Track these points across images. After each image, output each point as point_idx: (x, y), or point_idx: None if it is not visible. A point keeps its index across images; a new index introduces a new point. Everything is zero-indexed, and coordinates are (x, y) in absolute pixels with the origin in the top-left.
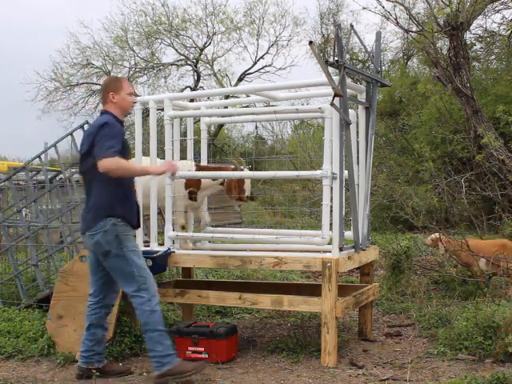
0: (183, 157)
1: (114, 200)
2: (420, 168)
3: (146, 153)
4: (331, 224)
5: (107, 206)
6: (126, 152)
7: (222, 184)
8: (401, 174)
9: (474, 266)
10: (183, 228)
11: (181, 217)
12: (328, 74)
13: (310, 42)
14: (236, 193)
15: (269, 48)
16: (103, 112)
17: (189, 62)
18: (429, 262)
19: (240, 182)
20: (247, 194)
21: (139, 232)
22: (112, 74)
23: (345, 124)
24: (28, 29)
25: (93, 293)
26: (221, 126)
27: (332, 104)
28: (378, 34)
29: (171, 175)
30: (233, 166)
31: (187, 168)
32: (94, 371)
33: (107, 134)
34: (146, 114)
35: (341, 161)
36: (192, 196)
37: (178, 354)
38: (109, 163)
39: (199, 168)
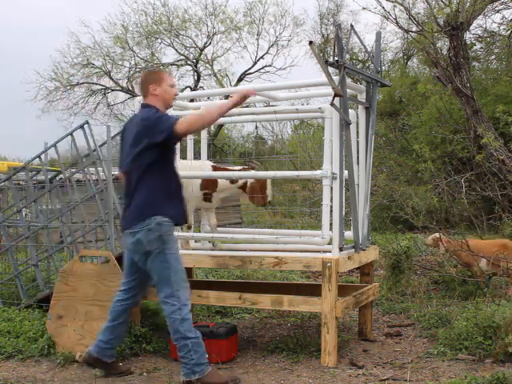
0: (183, 157)
1: (163, 199)
2: (420, 168)
3: None
4: (331, 224)
5: (155, 205)
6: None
7: (241, 188)
8: (401, 174)
9: (474, 266)
10: (189, 228)
11: (189, 217)
12: (328, 74)
13: (310, 42)
14: (259, 197)
15: (269, 48)
16: (145, 105)
17: (189, 62)
18: (429, 261)
19: (263, 186)
20: (269, 198)
21: None
22: (112, 74)
23: (345, 124)
24: (28, 29)
25: (124, 290)
26: (221, 126)
27: (332, 104)
28: (378, 34)
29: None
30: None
31: (203, 169)
32: (96, 369)
33: (159, 116)
34: None
35: (341, 161)
36: (207, 197)
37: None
38: (183, 124)
39: (216, 169)
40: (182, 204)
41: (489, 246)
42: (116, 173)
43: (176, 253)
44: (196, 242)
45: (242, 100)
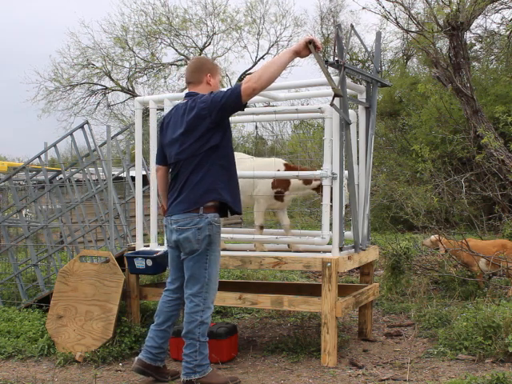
0: None
1: (224, 185)
2: (419, 168)
3: (146, 153)
4: (331, 224)
5: (214, 191)
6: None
7: (315, 189)
8: (401, 174)
9: (474, 266)
10: (261, 228)
11: (261, 217)
12: (328, 74)
13: (310, 42)
14: None
15: (269, 48)
16: (194, 94)
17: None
18: (429, 261)
19: None
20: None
21: (139, 231)
22: (112, 74)
23: (345, 124)
24: (28, 29)
25: (174, 289)
26: None
27: (332, 104)
28: (378, 34)
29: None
30: None
31: (275, 167)
32: (149, 376)
33: (215, 92)
34: (146, 114)
35: (341, 161)
36: (278, 196)
37: (178, 354)
38: (246, 85)
39: (289, 167)
40: (239, 192)
41: (488, 246)
42: (116, 172)
43: (218, 254)
44: None
45: (305, 48)
